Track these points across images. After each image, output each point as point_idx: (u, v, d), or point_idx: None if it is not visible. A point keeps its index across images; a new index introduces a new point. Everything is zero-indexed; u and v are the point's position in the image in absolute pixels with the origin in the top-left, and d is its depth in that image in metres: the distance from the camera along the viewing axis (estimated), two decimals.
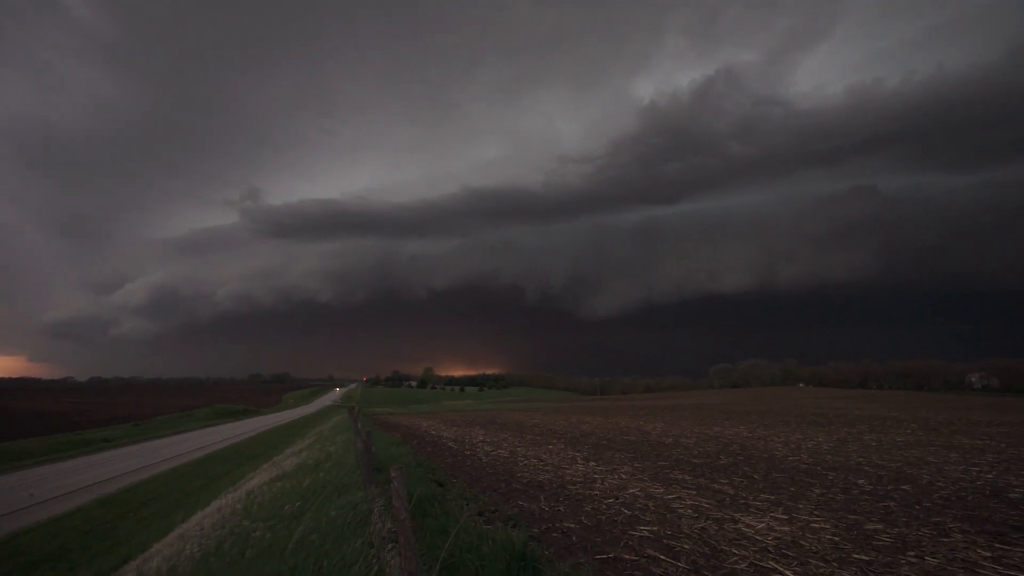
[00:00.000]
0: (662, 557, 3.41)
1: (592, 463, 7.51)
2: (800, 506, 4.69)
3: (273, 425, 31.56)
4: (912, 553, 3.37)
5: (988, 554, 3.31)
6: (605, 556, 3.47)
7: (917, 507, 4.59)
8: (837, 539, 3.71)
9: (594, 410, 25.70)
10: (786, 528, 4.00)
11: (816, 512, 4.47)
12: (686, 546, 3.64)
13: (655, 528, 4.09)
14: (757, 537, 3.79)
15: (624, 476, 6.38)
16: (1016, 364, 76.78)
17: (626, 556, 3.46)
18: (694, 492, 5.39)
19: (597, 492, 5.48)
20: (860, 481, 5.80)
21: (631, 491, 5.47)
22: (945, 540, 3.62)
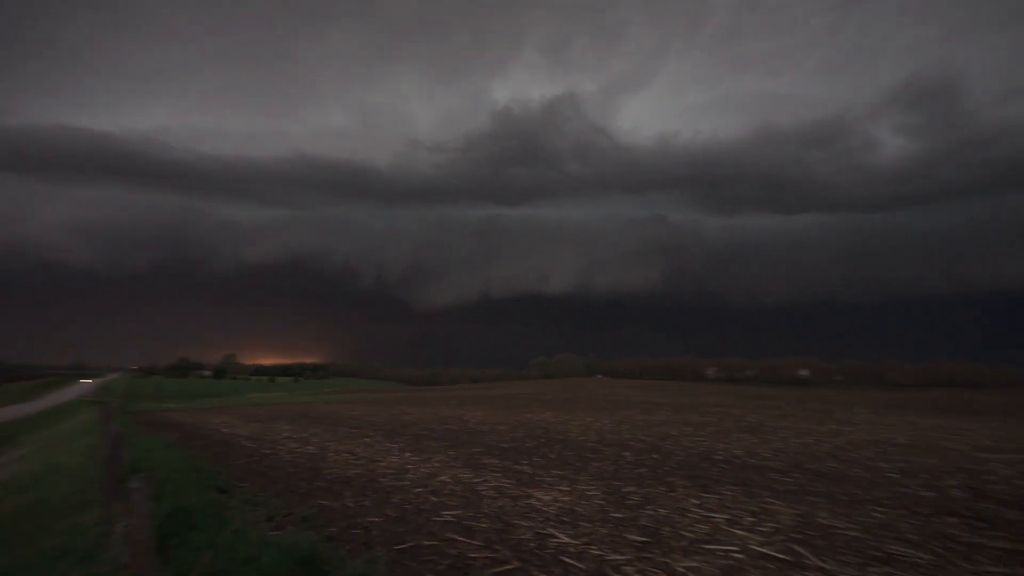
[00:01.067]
0: (459, 538, 3.58)
1: (408, 454, 7.47)
2: (580, 478, 5.51)
3: None
4: (651, 507, 4.27)
5: (696, 502, 4.41)
6: (404, 545, 3.48)
7: (659, 471, 5.86)
8: (603, 502, 4.47)
9: (419, 400, 25.71)
10: (567, 498, 4.64)
11: (592, 482, 5.32)
12: (483, 525, 3.90)
13: (458, 512, 4.28)
14: (544, 509, 4.30)
15: (437, 464, 6.52)
16: (736, 362, 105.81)
17: (426, 542, 3.53)
18: (499, 474, 5.83)
19: (408, 482, 5.46)
20: (626, 453, 7.14)
21: (441, 478, 5.62)
22: (672, 494, 4.70)
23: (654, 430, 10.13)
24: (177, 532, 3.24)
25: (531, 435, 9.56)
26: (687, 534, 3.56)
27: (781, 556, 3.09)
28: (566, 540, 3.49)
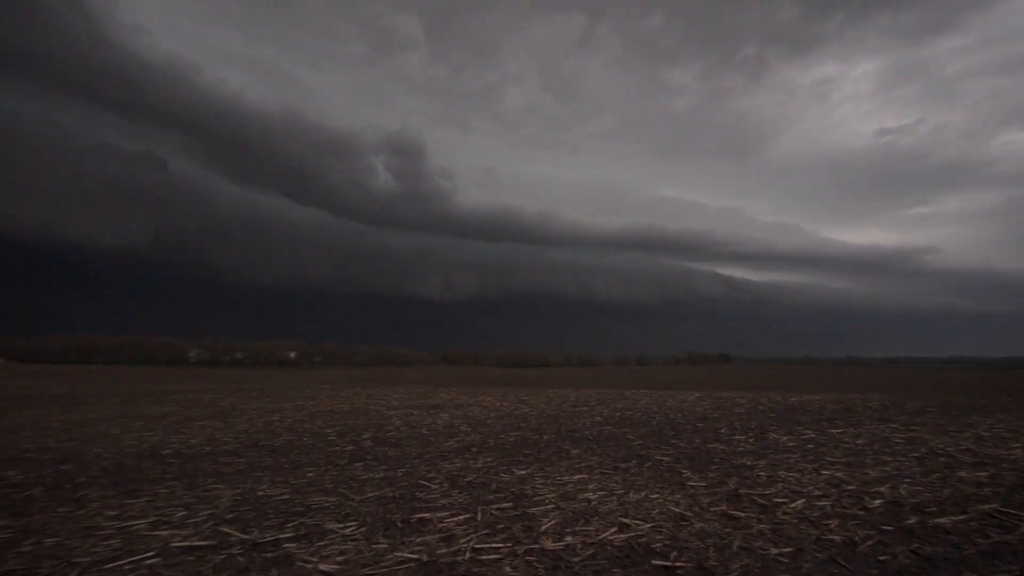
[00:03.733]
0: None
1: None
2: None
3: None
4: (30, 543, 3.07)
5: (113, 513, 3.59)
6: None
7: (68, 486, 4.39)
8: None
9: None
10: None
11: None
12: None
13: None
14: None
15: None
16: (225, 343, 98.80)
17: None
18: None
19: None
20: (10, 473, 4.90)
21: None
22: (78, 513, 3.61)
23: (80, 431, 7.63)
24: None
25: None
26: (82, 560, 2.78)
27: (205, 543, 2.99)
28: None
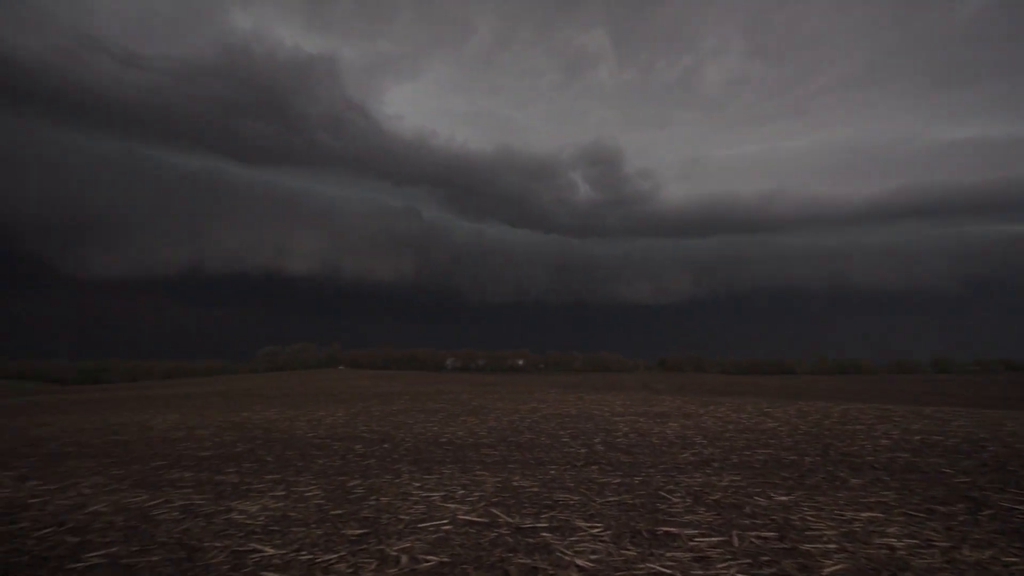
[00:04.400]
0: None
1: (34, 482, 5.23)
2: (301, 479, 5.03)
3: None
4: (374, 497, 4.26)
5: (418, 484, 4.66)
6: None
7: (388, 459, 5.94)
8: (322, 501, 4.19)
9: (68, 405, 18.54)
10: (280, 504, 4.14)
11: (313, 481, 4.92)
12: (155, 557, 3.06)
13: (116, 548, 3.23)
14: (247, 522, 3.70)
15: (88, 491, 4.79)
16: (471, 352, 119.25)
17: None
18: (190, 490, 4.73)
19: (27, 523, 3.80)
20: (357, 446, 6.95)
21: (93, 508, 4.14)
22: (397, 481, 4.82)
23: (389, 420, 10.26)
24: None
25: (244, 437, 8.18)
26: (404, 517, 3.69)
27: (481, 520, 3.57)
28: (271, 552, 3.09)
